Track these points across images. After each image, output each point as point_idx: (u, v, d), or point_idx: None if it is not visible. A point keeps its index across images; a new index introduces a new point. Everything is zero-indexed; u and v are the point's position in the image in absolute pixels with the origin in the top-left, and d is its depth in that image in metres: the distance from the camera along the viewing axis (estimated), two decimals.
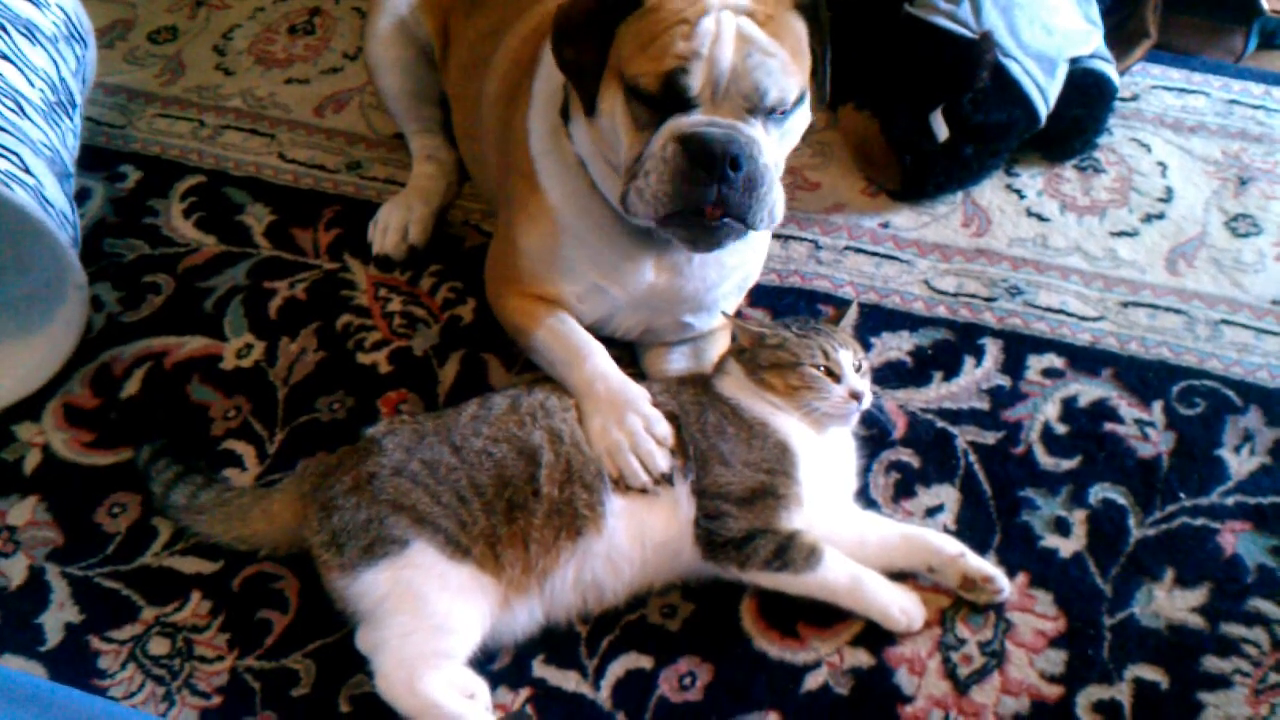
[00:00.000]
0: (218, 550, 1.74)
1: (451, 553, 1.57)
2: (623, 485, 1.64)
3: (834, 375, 1.70)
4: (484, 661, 1.60)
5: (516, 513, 1.60)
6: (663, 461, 1.64)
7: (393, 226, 2.12)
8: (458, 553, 1.57)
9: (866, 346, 1.93)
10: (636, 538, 1.63)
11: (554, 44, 1.62)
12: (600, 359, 1.76)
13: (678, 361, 1.91)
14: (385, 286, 2.09)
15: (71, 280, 1.90)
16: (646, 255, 1.76)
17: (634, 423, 1.66)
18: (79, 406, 1.94)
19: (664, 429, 1.67)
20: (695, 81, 1.53)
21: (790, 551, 1.59)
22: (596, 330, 1.83)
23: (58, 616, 1.71)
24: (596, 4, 1.57)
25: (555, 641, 1.64)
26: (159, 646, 1.68)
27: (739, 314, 1.78)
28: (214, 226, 2.20)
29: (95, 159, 2.31)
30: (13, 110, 1.93)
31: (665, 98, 1.55)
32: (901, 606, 1.61)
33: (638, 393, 1.71)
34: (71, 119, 2.13)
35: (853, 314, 1.84)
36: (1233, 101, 2.36)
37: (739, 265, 1.84)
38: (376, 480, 1.62)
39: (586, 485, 1.63)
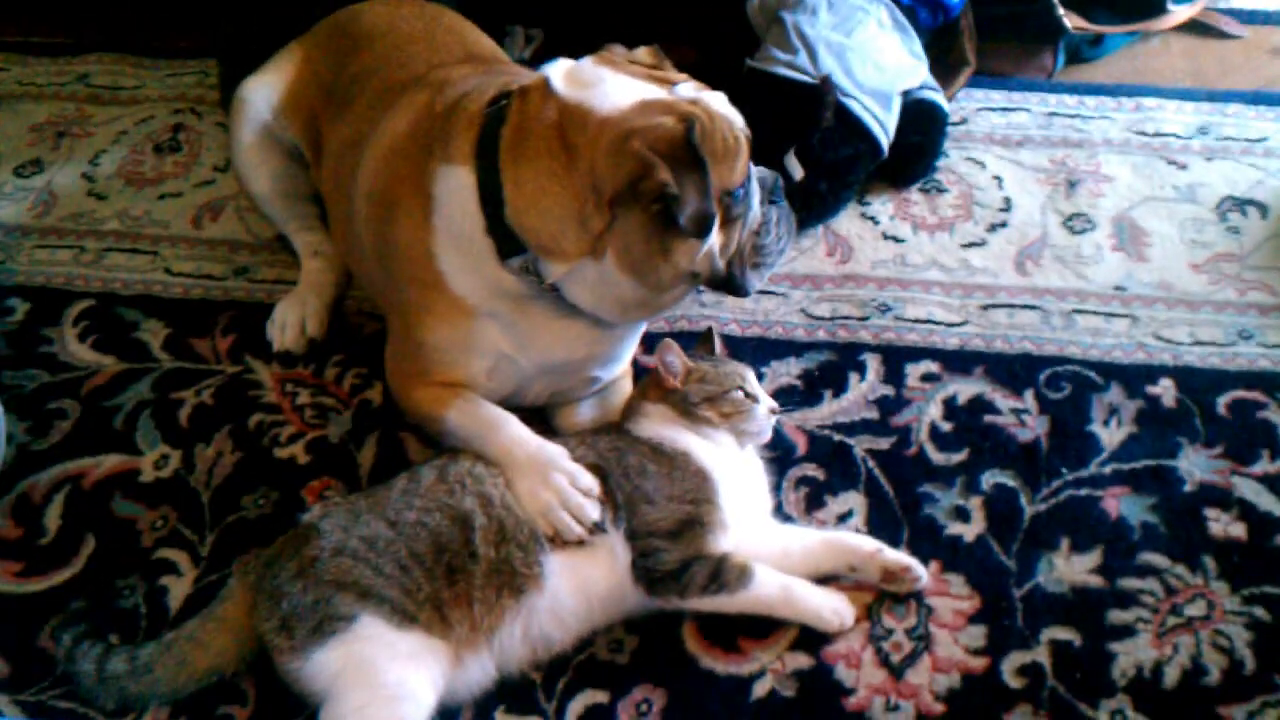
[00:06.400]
0: None
1: (399, 621, 1.62)
2: (559, 541, 1.70)
3: (752, 396, 1.82)
4: None
5: (457, 575, 1.66)
6: (592, 511, 1.71)
7: (290, 323, 2.17)
8: (405, 620, 1.62)
9: (759, 376, 2.04)
10: (579, 591, 1.69)
11: (675, 178, 1.61)
12: (514, 426, 1.81)
13: (586, 413, 1.99)
14: (291, 381, 2.14)
15: None
16: (561, 320, 1.80)
17: (559, 480, 1.73)
18: (2, 538, 1.94)
19: (588, 480, 1.74)
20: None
21: (724, 574, 1.68)
22: (505, 403, 1.87)
23: None
24: (688, 136, 1.63)
25: (513, 691, 1.70)
26: None
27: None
28: (111, 347, 2.22)
29: None
30: None
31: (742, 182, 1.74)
32: (832, 608, 1.72)
33: (556, 451, 1.77)
34: None
35: (716, 339, 1.98)
36: (1051, 114, 2.56)
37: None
38: (319, 563, 1.66)
39: (521, 546, 1.69)
